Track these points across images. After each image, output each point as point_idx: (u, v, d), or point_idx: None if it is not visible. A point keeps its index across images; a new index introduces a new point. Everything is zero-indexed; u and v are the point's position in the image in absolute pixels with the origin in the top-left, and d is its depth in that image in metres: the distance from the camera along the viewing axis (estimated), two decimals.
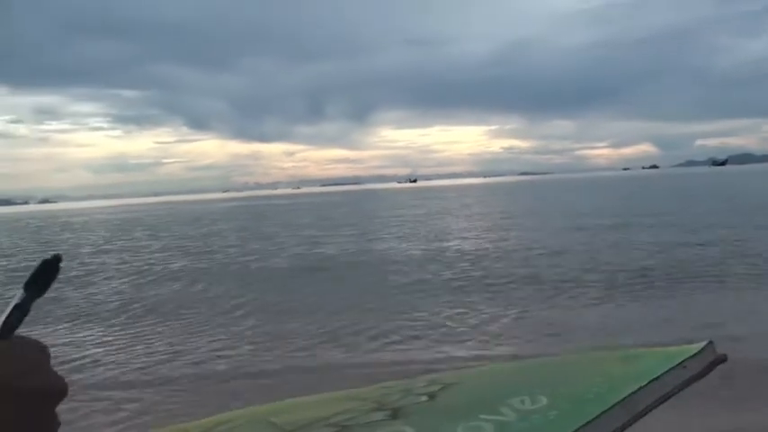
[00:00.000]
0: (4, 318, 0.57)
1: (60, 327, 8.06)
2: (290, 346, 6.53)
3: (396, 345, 6.35)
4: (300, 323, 7.40)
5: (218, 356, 6.30)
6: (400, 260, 12.85)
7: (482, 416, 0.93)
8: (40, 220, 54.73)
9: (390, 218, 27.87)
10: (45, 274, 0.59)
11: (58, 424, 0.59)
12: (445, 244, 15.46)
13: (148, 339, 7.18)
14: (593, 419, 0.89)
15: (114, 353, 6.69)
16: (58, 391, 0.57)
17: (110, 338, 7.36)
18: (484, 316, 7.32)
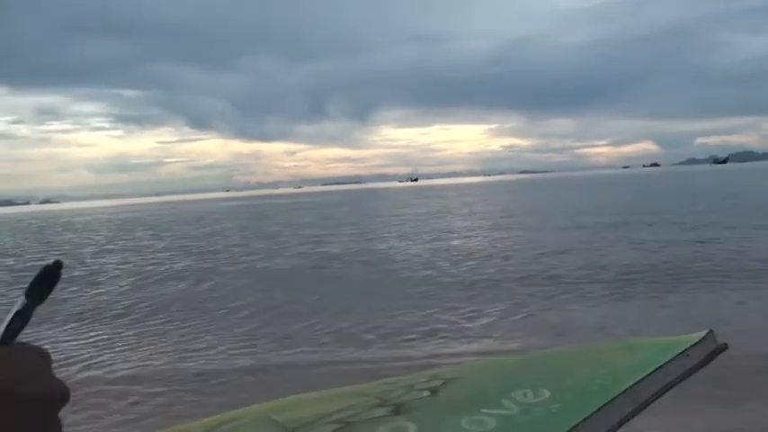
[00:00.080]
0: (5, 324, 0.58)
1: (68, 326, 8.13)
2: (294, 344, 6.61)
3: (399, 342, 6.42)
4: (305, 323, 7.48)
5: (224, 356, 6.38)
6: (402, 259, 12.93)
7: (484, 410, 0.93)
8: (42, 221, 54.80)
9: (392, 217, 27.95)
10: (46, 281, 0.60)
11: (61, 429, 0.59)
12: (446, 243, 15.53)
13: (154, 339, 7.25)
14: (597, 411, 0.89)
15: (120, 352, 6.75)
16: (60, 396, 0.57)
17: (115, 338, 7.43)
18: (484, 316, 7.38)
